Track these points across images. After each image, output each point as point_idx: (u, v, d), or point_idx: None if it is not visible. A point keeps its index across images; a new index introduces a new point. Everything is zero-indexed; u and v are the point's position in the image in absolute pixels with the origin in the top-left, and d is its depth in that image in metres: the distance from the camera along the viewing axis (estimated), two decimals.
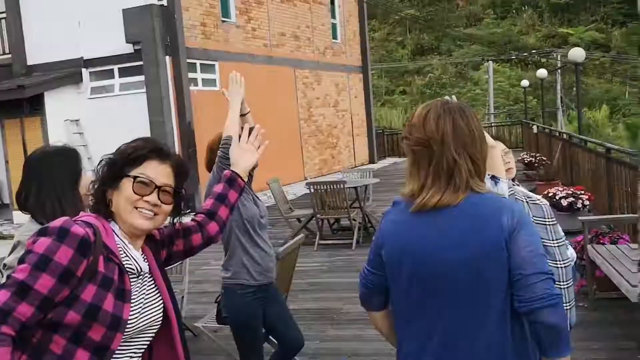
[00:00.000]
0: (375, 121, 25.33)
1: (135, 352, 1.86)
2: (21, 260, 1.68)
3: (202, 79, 14.15)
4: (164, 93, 12.72)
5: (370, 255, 2.05)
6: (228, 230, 3.38)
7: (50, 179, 2.42)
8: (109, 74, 13.59)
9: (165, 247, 2.02)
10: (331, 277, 7.46)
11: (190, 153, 12.65)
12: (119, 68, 13.43)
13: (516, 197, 2.45)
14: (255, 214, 3.49)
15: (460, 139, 1.84)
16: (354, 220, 8.91)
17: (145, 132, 12.54)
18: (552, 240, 2.49)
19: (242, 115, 3.38)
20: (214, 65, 14.45)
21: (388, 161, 23.54)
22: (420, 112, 1.90)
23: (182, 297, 5.35)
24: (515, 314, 1.81)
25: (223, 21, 14.87)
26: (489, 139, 2.08)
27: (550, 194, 8.22)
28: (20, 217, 13.43)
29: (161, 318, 1.91)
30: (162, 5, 12.84)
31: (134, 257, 1.86)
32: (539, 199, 2.56)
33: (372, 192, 10.16)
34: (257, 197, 3.62)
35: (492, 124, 29.09)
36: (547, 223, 2.49)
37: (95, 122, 13.39)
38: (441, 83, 40.34)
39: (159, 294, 1.92)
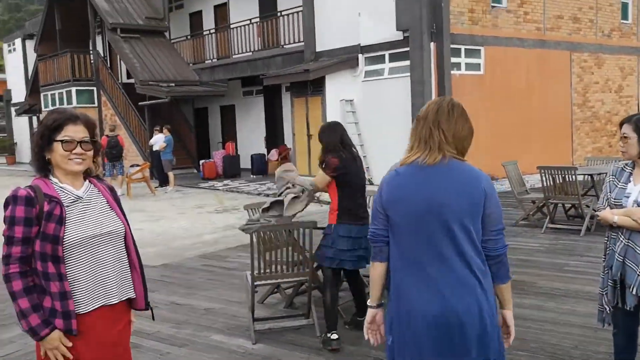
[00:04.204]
0: None
1: (95, 256, 2.64)
2: (3, 221, 2.55)
3: (466, 63, 14.74)
4: (425, 77, 13.70)
5: (374, 219, 2.60)
6: None
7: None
8: (380, 59, 15.05)
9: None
10: (543, 257, 7.65)
11: None
12: (389, 54, 14.80)
13: None
14: None
15: (438, 117, 2.49)
16: (587, 207, 8.84)
17: (407, 112, 13.74)
18: None
19: None
20: (479, 50, 14.93)
21: None
22: (429, 102, 2.62)
23: None
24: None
25: (492, 7, 15.19)
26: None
27: None
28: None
29: (117, 229, 2.71)
30: None
31: (70, 191, 2.66)
32: None
33: None
34: None
35: None
36: None
37: (365, 102, 15.05)
38: None
39: (112, 213, 2.74)
